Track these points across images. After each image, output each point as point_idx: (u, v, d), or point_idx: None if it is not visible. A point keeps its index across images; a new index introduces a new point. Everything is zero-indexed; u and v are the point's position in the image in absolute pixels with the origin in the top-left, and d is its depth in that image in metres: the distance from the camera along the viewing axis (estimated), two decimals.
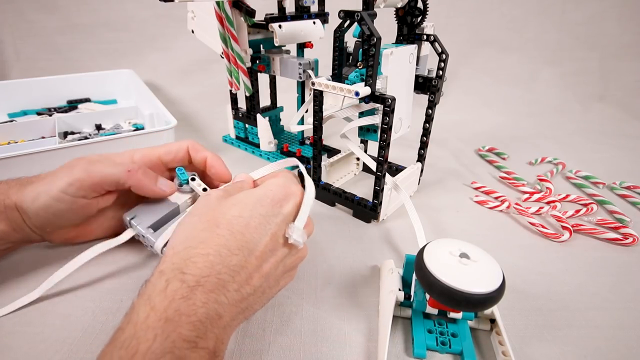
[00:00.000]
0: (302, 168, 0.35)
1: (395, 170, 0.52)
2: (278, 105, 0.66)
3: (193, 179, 0.37)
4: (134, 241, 0.35)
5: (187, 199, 0.37)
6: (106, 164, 0.32)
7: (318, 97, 0.42)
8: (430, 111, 0.45)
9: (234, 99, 0.61)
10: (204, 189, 0.36)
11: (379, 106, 0.39)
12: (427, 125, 0.46)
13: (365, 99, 0.37)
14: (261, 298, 0.26)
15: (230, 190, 0.30)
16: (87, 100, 0.81)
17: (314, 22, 0.54)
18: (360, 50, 0.39)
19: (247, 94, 0.57)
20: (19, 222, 0.31)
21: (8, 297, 0.32)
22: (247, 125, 0.62)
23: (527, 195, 0.50)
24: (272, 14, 0.50)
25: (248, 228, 0.25)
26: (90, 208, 0.33)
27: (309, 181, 0.32)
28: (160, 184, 0.35)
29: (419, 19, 0.42)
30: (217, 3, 0.47)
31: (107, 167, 0.32)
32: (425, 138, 0.47)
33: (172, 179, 0.37)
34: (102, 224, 0.36)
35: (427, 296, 0.29)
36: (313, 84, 0.40)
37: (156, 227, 0.35)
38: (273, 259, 0.26)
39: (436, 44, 0.42)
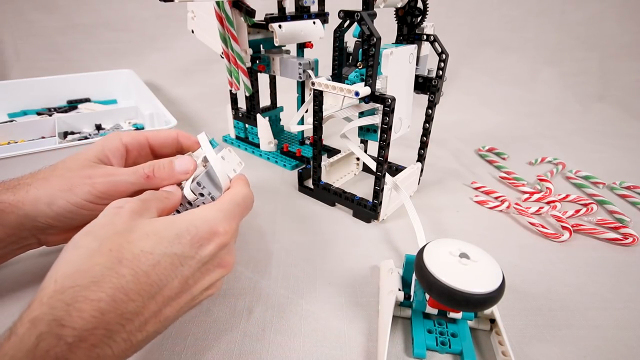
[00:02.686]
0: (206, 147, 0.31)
1: (395, 170, 0.52)
2: (278, 105, 0.66)
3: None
4: None
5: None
6: (126, 174, 0.31)
7: (318, 97, 0.42)
8: (430, 111, 0.45)
9: (234, 99, 0.61)
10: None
11: (379, 106, 0.39)
12: (427, 125, 0.46)
13: (365, 99, 0.37)
14: (154, 336, 0.23)
15: (149, 204, 0.26)
16: (87, 100, 0.81)
17: (314, 22, 0.54)
18: (360, 50, 0.39)
19: (247, 94, 0.57)
20: (15, 225, 0.29)
21: (10, 308, 0.32)
22: (247, 125, 0.62)
23: (527, 195, 0.50)
24: (272, 14, 0.50)
25: (156, 268, 0.21)
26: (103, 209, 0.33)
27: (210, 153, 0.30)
28: (177, 168, 0.32)
29: (419, 19, 0.42)
30: (217, 3, 0.47)
31: (129, 177, 0.31)
32: (425, 138, 0.47)
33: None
34: None
35: (427, 296, 0.29)
36: (313, 84, 0.40)
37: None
38: (176, 303, 0.23)
39: (436, 44, 0.42)
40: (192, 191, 0.31)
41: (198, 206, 0.32)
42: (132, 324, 0.20)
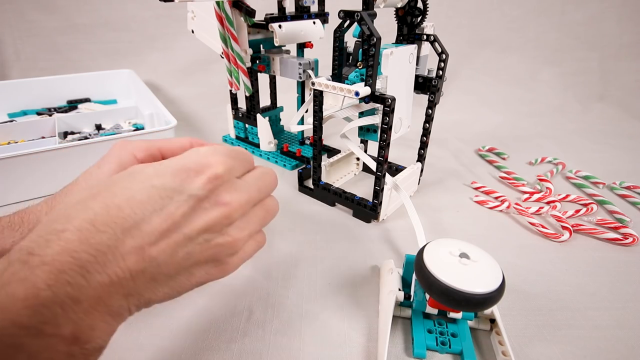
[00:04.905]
0: None
1: (395, 170, 0.52)
2: (278, 105, 0.66)
3: None
4: None
5: None
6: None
7: (318, 97, 0.42)
8: (430, 111, 0.45)
9: (234, 99, 0.61)
10: None
11: (379, 106, 0.39)
12: (427, 125, 0.46)
13: (365, 99, 0.37)
14: (154, 286, 0.21)
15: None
16: (87, 100, 0.81)
17: (314, 22, 0.54)
18: (360, 50, 0.39)
19: (247, 94, 0.57)
20: None
21: None
22: (247, 125, 0.62)
23: (527, 195, 0.50)
24: (272, 14, 0.50)
25: (131, 202, 0.20)
26: None
27: None
28: None
29: (419, 19, 0.42)
30: (217, 3, 0.47)
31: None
32: (425, 138, 0.47)
33: None
34: None
35: (427, 296, 0.29)
36: (313, 84, 0.40)
37: None
38: (165, 243, 0.21)
39: (436, 44, 0.42)
40: None
41: None
42: (106, 257, 0.19)
